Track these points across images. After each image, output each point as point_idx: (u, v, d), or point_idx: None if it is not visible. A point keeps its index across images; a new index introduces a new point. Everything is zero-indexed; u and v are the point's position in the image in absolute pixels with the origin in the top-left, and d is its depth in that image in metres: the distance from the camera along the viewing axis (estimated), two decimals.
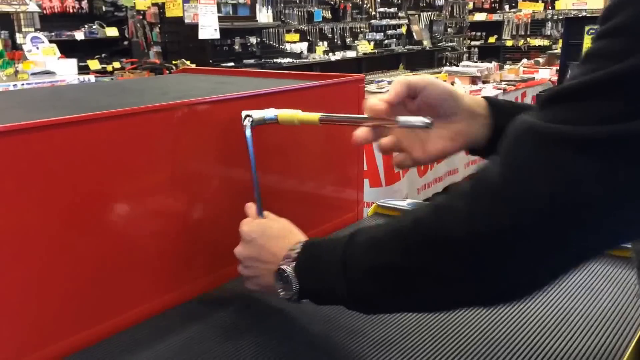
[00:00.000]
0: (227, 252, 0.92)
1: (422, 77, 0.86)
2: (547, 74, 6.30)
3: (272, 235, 0.88)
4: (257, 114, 0.97)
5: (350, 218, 1.37)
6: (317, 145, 1.26)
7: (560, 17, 10.38)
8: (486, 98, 0.89)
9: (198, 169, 1.00)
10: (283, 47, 7.79)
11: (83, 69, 5.77)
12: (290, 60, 7.64)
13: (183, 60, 5.89)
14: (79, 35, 6.27)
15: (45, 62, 5.17)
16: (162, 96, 1.17)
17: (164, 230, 0.96)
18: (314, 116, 0.92)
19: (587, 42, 3.24)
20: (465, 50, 11.39)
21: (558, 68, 3.89)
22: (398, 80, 0.85)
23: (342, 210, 1.37)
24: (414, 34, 10.15)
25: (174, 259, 0.99)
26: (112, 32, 6.41)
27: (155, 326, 0.91)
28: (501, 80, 5.83)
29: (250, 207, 0.97)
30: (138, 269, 0.93)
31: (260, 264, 0.87)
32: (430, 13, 10.54)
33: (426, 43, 10.34)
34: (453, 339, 0.85)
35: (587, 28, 3.22)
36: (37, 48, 5.29)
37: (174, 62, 5.87)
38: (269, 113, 0.97)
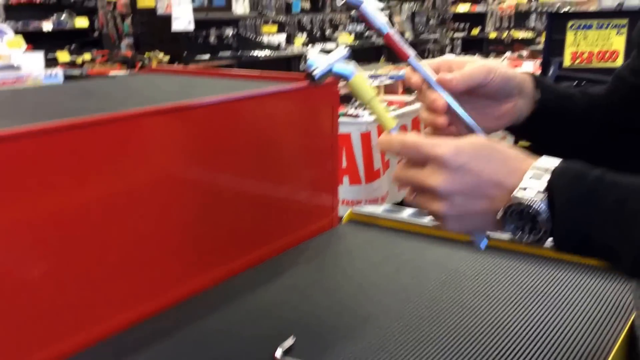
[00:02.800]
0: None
1: (483, 64, 0.79)
2: (530, 67, 6.21)
3: (487, 158, 0.64)
4: (324, 64, 0.73)
5: (324, 225, 1.33)
6: (289, 146, 1.22)
7: (545, 10, 10.30)
8: (530, 74, 0.85)
9: (171, 175, 0.96)
10: (260, 39, 7.59)
11: (51, 61, 5.55)
12: (269, 52, 7.45)
13: (156, 52, 5.71)
14: (47, 25, 6.03)
15: (10, 55, 4.94)
16: (127, 100, 1.14)
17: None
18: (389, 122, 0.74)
19: (569, 38, 3.13)
20: (448, 42, 11.28)
21: (541, 61, 3.77)
22: (480, 67, 0.78)
23: (316, 216, 1.33)
24: (395, 25, 10.01)
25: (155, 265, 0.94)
26: (81, 22, 6.17)
27: (170, 319, 0.88)
28: None
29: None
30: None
31: (477, 199, 0.64)
32: (412, 4, 10.41)
33: (408, 35, 10.20)
34: (432, 350, 0.81)
35: (569, 24, 3.11)
36: (2, 40, 5.07)
37: (146, 54, 5.69)
38: (342, 67, 0.73)
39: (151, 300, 0.92)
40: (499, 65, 0.79)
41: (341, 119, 3.76)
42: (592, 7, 6.72)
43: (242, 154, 1.09)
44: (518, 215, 0.61)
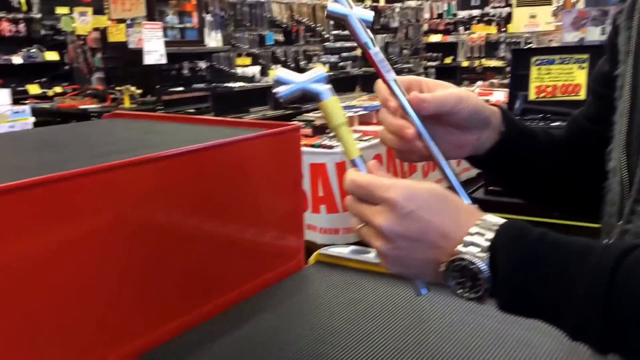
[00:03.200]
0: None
1: (455, 92, 0.78)
2: (502, 96, 6.30)
3: (438, 208, 0.63)
4: (295, 82, 0.68)
5: (290, 267, 1.30)
6: (251, 187, 1.19)
7: (513, 40, 10.55)
8: (499, 107, 0.85)
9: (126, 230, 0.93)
10: (234, 71, 7.62)
11: (21, 94, 5.51)
12: (243, 84, 7.47)
13: (128, 86, 5.68)
14: (17, 59, 6.00)
15: None
16: (86, 151, 1.11)
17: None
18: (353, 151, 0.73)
19: (533, 73, 3.19)
20: (422, 71, 11.43)
21: (508, 94, 3.84)
22: (452, 94, 0.76)
23: (281, 259, 1.29)
24: None
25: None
26: (52, 56, 6.16)
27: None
28: None
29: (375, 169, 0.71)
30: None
31: (421, 247, 0.62)
32: (385, 35, 10.55)
33: None
34: None
35: (533, 59, 3.17)
36: None
37: (118, 88, 5.66)
38: (318, 86, 0.69)
39: (102, 358, 0.90)
40: (471, 95, 0.78)
41: (316, 150, 3.78)
42: (557, 39, 6.89)
43: (203, 202, 1.07)
44: (460, 271, 0.60)
